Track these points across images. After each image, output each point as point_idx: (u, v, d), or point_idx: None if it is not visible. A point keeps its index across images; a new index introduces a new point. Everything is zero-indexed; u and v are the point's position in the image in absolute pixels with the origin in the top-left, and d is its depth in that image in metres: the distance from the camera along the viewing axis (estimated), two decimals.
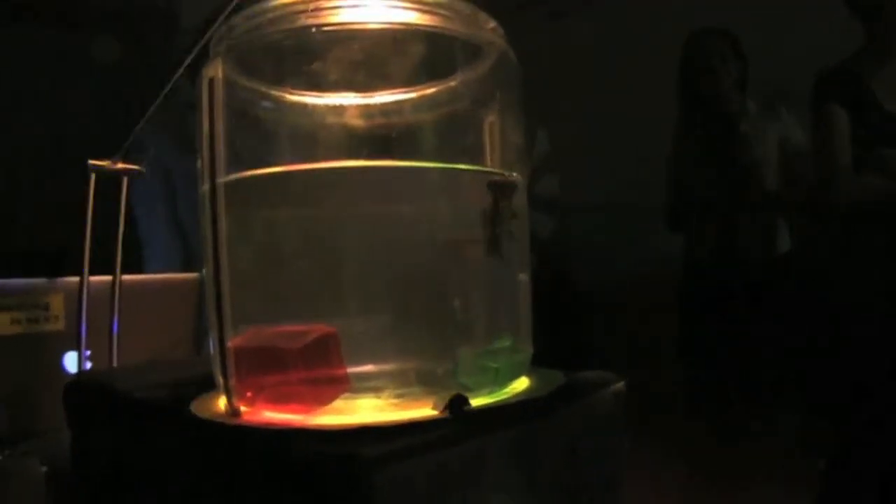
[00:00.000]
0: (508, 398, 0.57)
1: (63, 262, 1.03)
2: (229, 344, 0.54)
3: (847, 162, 1.56)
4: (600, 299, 2.55)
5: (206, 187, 0.56)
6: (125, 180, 0.92)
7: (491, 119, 0.63)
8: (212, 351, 0.58)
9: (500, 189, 0.58)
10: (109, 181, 0.95)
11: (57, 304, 0.98)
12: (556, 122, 2.04)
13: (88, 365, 0.94)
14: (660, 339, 2.16)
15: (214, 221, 0.54)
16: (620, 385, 0.61)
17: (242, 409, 0.54)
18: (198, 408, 0.57)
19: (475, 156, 0.62)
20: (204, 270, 0.59)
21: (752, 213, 1.87)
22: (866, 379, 1.49)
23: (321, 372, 0.52)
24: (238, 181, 0.57)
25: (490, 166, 0.62)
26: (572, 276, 2.39)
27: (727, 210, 1.87)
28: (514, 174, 0.61)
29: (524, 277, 0.65)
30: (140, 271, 1.43)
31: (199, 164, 0.59)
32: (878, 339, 1.49)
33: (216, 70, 0.55)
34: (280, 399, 0.53)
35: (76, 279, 0.94)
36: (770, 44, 2.07)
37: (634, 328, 2.47)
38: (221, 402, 0.57)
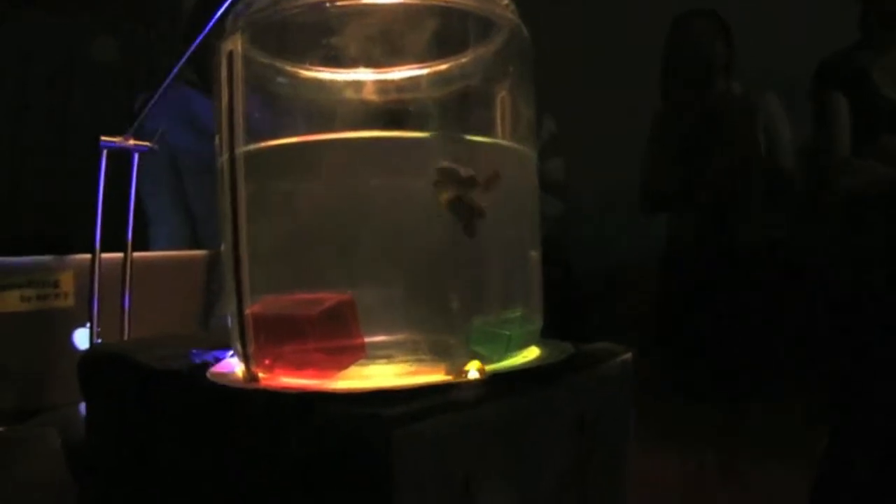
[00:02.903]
0: (521, 364, 0.58)
1: (71, 241, 1.03)
2: (247, 311, 0.56)
3: (846, 149, 1.57)
4: (598, 284, 2.56)
5: (224, 158, 0.57)
6: (136, 157, 0.92)
7: (503, 94, 0.63)
8: (229, 320, 0.59)
9: (444, 176, 0.55)
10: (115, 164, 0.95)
11: (66, 281, 0.99)
12: (560, 105, 2.04)
13: (98, 341, 0.95)
14: (657, 325, 2.18)
15: (234, 192, 0.55)
16: (628, 356, 0.63)
17: (260, 375, 0.55)
18: (214, 376, 0.58)
19: (488, 130, 0.63)
20: (222, 245, 0.60)
21: (738, 197, 1.87)
22: (864, 361, 1.51)
23: (337, 338, 0.53)
24: (255, 152, 0.58)
25: (501, 140, 0.63)
26: (571, 260, 2.40)
27: (709, 194, 1.87)
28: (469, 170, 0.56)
29: (535, 254, 0.66)
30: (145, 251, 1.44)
31: (216, 138, 0.60)
32: (876, 323, 1.50)
33: (235, 44, 0.56)
34: (297, 365, 0.54)
35: (85, 257, 0.95)
36: (759, 28, 2.08)
37: (632, 312, 2.48)
38: (238, 370, 0.59)
